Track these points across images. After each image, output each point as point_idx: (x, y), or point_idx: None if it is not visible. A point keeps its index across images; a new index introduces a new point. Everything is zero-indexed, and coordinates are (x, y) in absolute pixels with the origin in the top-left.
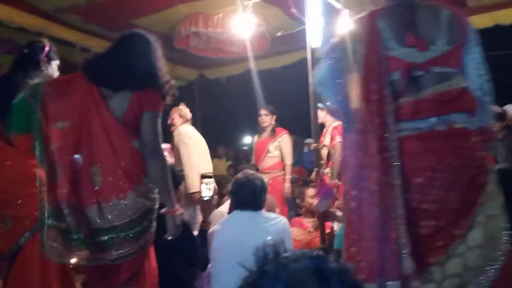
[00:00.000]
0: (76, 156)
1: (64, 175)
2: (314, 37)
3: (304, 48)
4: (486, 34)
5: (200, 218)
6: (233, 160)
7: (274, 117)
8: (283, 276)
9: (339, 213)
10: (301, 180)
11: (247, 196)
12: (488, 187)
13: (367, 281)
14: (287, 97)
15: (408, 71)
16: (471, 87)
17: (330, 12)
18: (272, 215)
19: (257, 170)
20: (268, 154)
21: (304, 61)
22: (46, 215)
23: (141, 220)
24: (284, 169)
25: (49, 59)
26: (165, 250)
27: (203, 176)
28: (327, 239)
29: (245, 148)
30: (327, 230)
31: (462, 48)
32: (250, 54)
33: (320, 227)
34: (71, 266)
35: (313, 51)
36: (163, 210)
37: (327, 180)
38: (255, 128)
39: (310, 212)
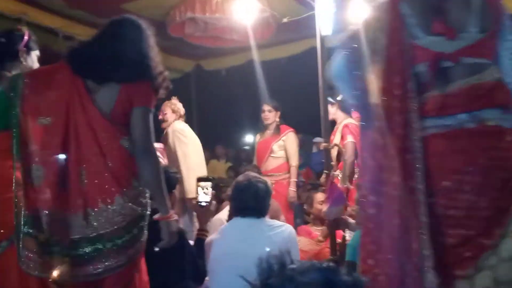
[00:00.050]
0: (61, 156)
1: (48, 178)
2: (324, 24)
3: (313, 36)
4: None
5: (196, 225)
6: (233, 161)
7: (279, 113)
8: None
9: (351, 220)
10: (309, 183)
11: (249, 201)
12: None
13: None
14: (293, 90)
15: (435, 62)
16: (506, 79)
17: None
18: (276, 222)
19: (259, 172)
20: (272, 155)
21: (313, 50)
22: (22, 221)
23: (130, 228)
24: (289, 171)
25: (28, 49)
26: (157, 261)
27: (200, 179)
28: (338, 249)
29: (246, 148)
30: (338, 240)
31: (496, 36)
32: (252, 43)
33: (330, 236)
34: (52, 281)
35: (323, 39)
36: (156, 216)
37: (338, 183)
38: (257, 125)
39: (319, 220)
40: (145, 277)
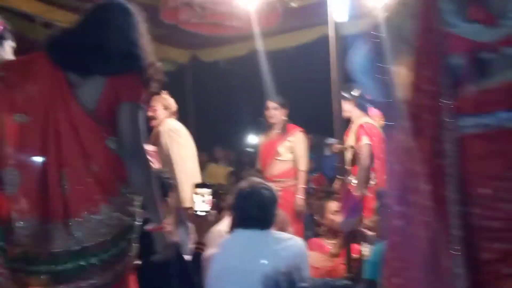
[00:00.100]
0: (40, 158)
1: (25, 183)
2: (339, 9)
3: (325, 23)
4: None
5: (193, 238)
6: (234, 165)
7: (286, 111)
8: None
9: (369, 233)
10: (321, 190)
11: (253, 210)
12: None
13: None
14: (302, 85)
15: (473, 53)
16: None
17: None
18: (284, 235)
19: (263, 177)
20: (278, 158)
21: (324, 39)
22: None
23: (118, 241)
24: (298, 176)
25: (1, 39)
26: (149, 278)
27: (197, 185)
28: (355, 266)
29: (249, 150)
30: (355, 255)
31: None
32: (256, 30)
33: (346, 250)
34: None
35: (336, 26)
36: (148, 227)
37: (353, 191)
38: (261, 125)
39: (333, 232)
40: None
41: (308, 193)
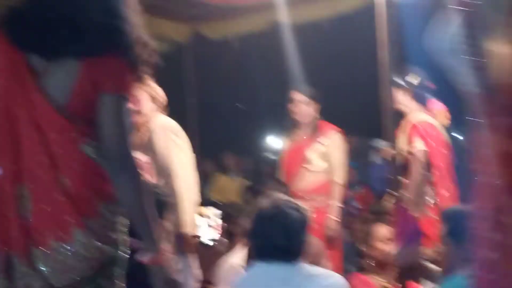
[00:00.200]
0: None
1: None
2: None
3: None
4: None
5: (197, 274)
6: (250, 177)
7: (318, 105)
8: None
9: (433, 267)
10: (367, 211)
11: (277, 238)
12: None
13: None
14: (340, 69)
15: None
16: None
17: None
18: (319, 270)
19: (290, 194)
20: (308, 167)
21: (370, 7)
22: None
23: (96, 278)
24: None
25: None
26: None
27: (203, 205)
28: None
29: (269, 157)
30: None
31: None
32: None
33: None
34: None
35: None
36: (143, 257)
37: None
38: (284, 123)
39: (383, 266)
40: None
41: (349, 214)
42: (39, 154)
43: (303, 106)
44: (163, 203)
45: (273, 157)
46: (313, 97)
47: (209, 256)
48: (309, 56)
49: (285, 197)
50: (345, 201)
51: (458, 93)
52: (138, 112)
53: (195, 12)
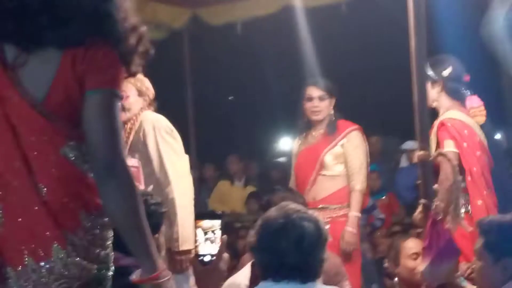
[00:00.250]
0: None
1: None
2: None
3: None
4: None
5: None
6: (256, 183)
7: (334, 100)
8: None
9: (469, 286)
10: (393, 222)
11: (289, 253)
12: None
13: None
14: (363, 60)
15: None
16: None
17: None
18: None
19: (304, 203)
20: (324, 172)
21: None
22: None
23: None
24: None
25: None
26: None
27: (201, 215)
28: None
29: (279, 160)
30: None
31: None
32: None
33: None
34: None
35: None
36: (135, 277)
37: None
38: (296, 122)
39: (410, 286)
40: None
41: (372, 226)
42: (12, 158)
43: (319, 102)
44: (156, 214)
45: (283, 160)
46: (329, 92)
47: (210, 275)
48: (325, 45)
49: (297, 206)
50: (366, 210)
51: (499, 87)
52: (124, 109)
53: None
